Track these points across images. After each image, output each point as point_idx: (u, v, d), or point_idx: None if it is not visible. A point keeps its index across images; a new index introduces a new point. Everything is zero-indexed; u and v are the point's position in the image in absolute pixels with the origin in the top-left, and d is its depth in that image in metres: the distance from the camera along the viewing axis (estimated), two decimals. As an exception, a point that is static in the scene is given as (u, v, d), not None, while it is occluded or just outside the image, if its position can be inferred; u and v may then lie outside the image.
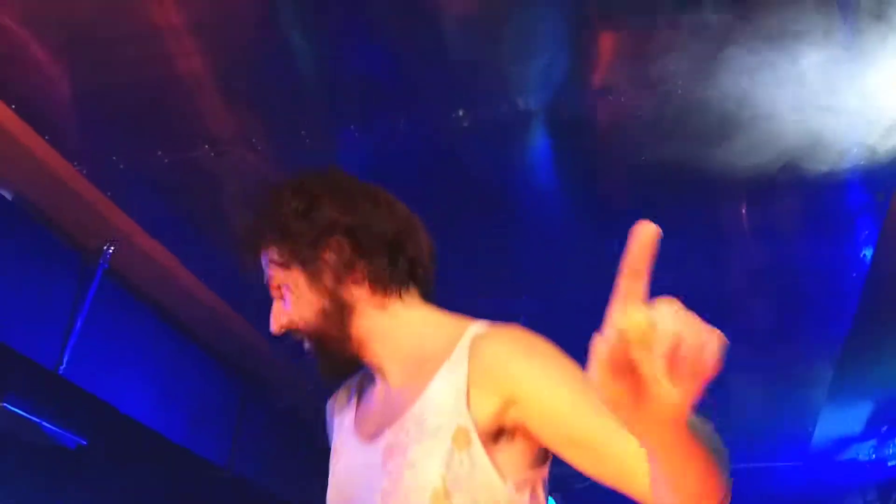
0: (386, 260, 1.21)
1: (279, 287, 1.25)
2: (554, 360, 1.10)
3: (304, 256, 1.21)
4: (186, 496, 3.95)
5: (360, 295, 1.22)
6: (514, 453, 1.11)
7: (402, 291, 1.24)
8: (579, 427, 1.04)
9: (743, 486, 4.61)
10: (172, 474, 3.84)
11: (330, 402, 1.40)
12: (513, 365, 1.10)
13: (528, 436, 1.10)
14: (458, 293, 3.40)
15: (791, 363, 4.08)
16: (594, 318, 0.67)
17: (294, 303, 1.23)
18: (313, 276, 1.21)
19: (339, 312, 1.21)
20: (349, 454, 1.25)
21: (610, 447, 1.00)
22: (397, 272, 1.22)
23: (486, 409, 1.08)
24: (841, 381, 4.18)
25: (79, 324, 2.96)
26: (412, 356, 1.20)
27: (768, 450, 5.00)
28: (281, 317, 1.25)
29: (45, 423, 3.29)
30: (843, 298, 3.42)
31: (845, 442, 5.07)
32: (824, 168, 2.67)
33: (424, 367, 1.16)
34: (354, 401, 1.32)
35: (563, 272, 3.30)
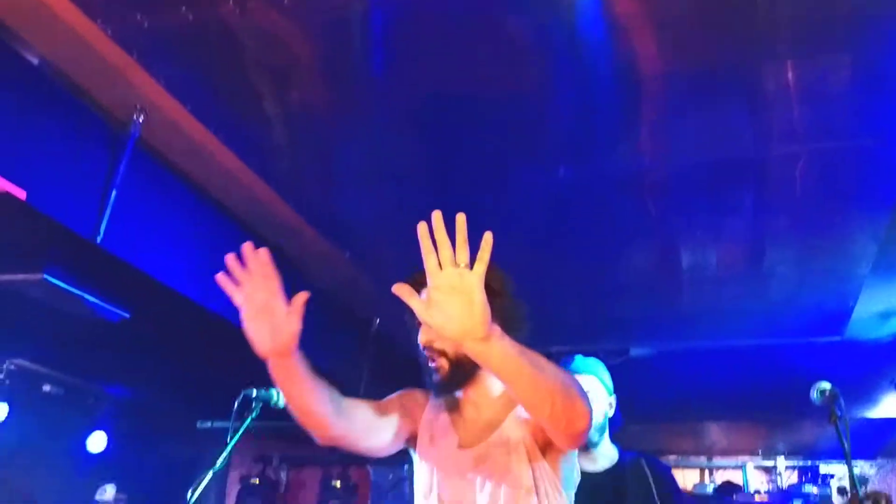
0: None
1: None
2: None
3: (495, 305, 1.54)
4: (228, 369, 4.02)
5: None
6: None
7: None
8: None
9: (780, 361, 4.58)
10: (215, 347, 3.88)
11: (428, 400, 1.98)
12: None
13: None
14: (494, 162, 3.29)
15: (833, 235, 3.95)
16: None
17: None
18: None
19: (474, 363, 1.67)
20: (448, 451, 1.82)
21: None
22: None
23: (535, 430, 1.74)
24: (885, 255, 4.06)
25: (113, 194, 2.91)
26: (496, 399, 1.85)
27: (806, 325, 4.95)
28: (432, 335, 1.80)
29: (86, 296, 3.32)
30: (890, 168, 3.25)
31: (886, 317, 5.00)
32: (874, 25, 2.45)
33: (503, 407, 1.82)
34: (448, 416, 1.90)
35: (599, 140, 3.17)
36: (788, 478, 6.08)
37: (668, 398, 5.29)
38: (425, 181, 3.57)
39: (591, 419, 1.54)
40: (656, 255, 4.18)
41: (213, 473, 2.42)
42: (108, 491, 5.62)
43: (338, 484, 6.49)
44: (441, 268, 1.38)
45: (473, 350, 1.41)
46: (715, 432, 5.77)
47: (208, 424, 6.05)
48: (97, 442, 6.17)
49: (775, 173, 3.37)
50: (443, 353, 1.78)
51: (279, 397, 2.59)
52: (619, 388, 5.42)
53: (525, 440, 1.73)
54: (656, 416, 5.26)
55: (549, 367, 1.49)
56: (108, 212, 2.86)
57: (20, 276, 2.97)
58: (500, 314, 1.54)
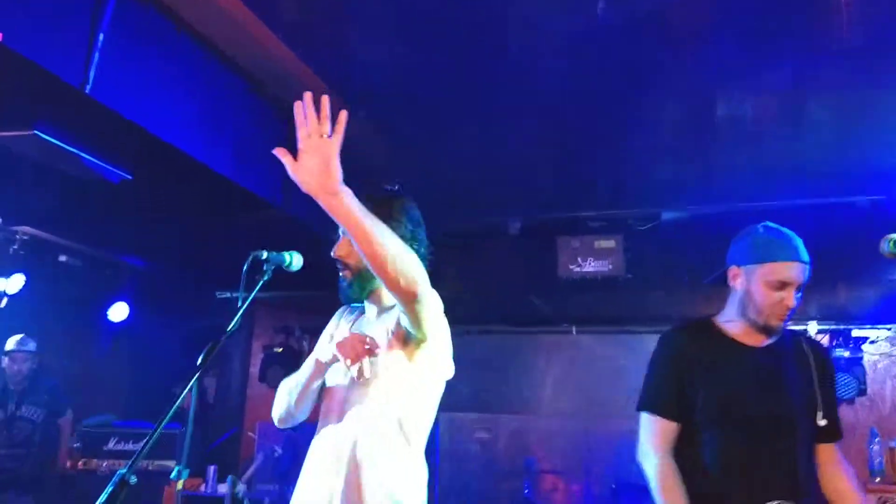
0: None
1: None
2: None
3: None
4: (235, 232, 3.85)
5: None
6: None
7: None
8: None
9: (818, 223, 4.30)
10: (221, 210, 3.71)
11: (339, 311, 2.45)
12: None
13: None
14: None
15: (879, 87, 3.62)
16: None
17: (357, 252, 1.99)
18: None
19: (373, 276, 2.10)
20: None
21: None
22: None
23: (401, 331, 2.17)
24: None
25: (101, 38, 2.63)
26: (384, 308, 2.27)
27: (847, 184, 4.67)
28: (344, 251, 2.24)
29: (84, 155, 3.11)
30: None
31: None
32: None
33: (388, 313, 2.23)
34: (350, 320, 2.37)
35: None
36: (820, 342, 6.00)
37: (699, 263, 5.12)
38: (446, 30, 3.25)
39: (421, 284, 1.92)
40: (689, 110, 3.87)
41: (226, 338, 2.27)
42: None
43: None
44: (309, 136, 1.79)
45: (327, 204, 1.80)
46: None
47: (227, 294, 6.01)
48: (118, 312, 6.18)
49: (820, 18, 3.02)
50: (347, 266, 2.21)
51: (292, 259, 2.40)
52: (649, 254, 5.25)
53: (390, 339, 2.13)
54: (688, 282, 5.11)
55: (391, 235, 1.87)
56: (95, 58, 2.59)
57: (11, 133, 2.76)
58: (398, 234, 1.95)
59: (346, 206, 1.80)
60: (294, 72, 3.55)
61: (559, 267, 5.36)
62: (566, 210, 5.31)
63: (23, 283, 5.25)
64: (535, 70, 3.49)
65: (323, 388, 2.26)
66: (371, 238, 1.83)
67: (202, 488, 4.66)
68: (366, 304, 2.31)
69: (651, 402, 2.42)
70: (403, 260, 1.88)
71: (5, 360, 5.02)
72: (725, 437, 2.28)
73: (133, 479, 1.67)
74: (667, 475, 2.29)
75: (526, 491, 4.99)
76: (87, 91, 2.55)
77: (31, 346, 5.08)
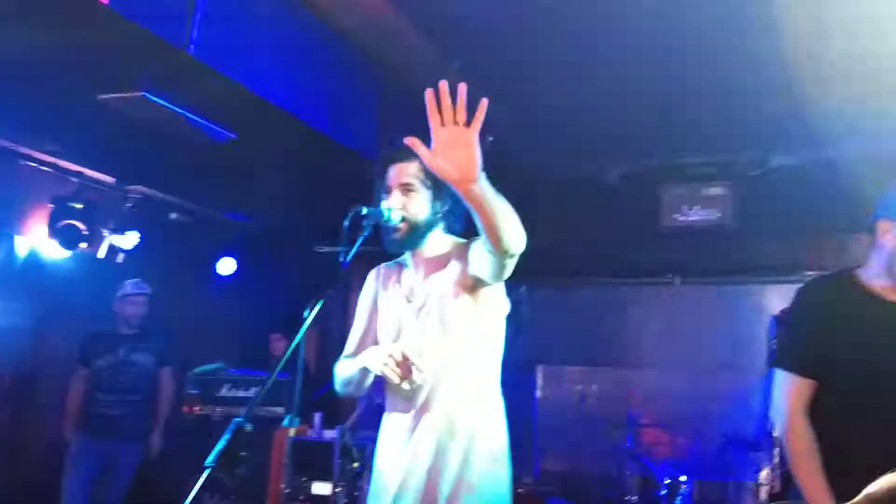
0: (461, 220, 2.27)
1: (407, 186, 2.22)
2: None
3: (436, 185, 2.19)
4: (333, 187, 3.89)
5: (440, 225, 2.28)
6: None
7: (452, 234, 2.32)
8: None
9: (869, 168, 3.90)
10: (319, 165, 3.74)
11: (374, 272, 2.44)
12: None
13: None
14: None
15: None
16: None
17: (414, 203, 2.21)
18: (434, 199, 2.24)
19: (431, 225, 2.25)
20: (395, 301, 2.32)
21: None
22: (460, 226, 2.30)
23: (466, 275, 2.22)
24: None
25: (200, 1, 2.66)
26: (435, 259, 2.29)
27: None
28: (398, 204, 2.22)
29: (189, 115, 3.19)
30: None
31: None
32: None
33: (440, 265, 2.27)
34: (397, 277, 2.36)
35: None
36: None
37: (810, 211, 4.84)
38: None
39: (522, 243, 1.98)
40: (800, 45, 3.60)
41: (329, 293, 2.30)
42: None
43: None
44: (444, 125, 1.75)
45: (465, 190, 1.81)
46: (861, 246, 5.30)
47: (326, 249, 6.12)
48: (226, 266, 6.41)
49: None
50: (404, 219, 2.21)
51: (390, 214, 2.39)
52: (759, 201, 5.00)
53: (455, 288, 2.18)
54: (798, 230, 4.85)
55: (505, 204, 1.90)
56: (197, 19, 2.62)
57: (120, 95, 2.85)
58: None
59: (482, 190, 1.81)
60: (390, 24, 3.52)
61: (661, 216, 5.19)
62: (668, 157, 5.11)
63: (137, 240, 5.49)
64: (635, 9, 3.33)
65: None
66: (496, 213, 1.86)
67: (309, 433, 4.83)
68: (408, 256, 2.34)
69: (787, 358, 2.31)
70: (517, 226, 1.92)
71: (121, 303, 5.02)
72: (863, 394, 2.17)
73: (249, 427, 1.72)
74: (800, 435, 2.20)
75: (628, 444, 4.93)
76: (189, 51, 2.59)
77: (148, 289, 5.13)
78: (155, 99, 2.90)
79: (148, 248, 5.55)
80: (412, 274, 2.32)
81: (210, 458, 1.59)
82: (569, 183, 5.50)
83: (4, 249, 5.01)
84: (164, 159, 4.17)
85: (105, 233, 5.40)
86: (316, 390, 6.12)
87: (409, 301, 2.28)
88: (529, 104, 4.42)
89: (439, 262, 2.26)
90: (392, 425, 2.24)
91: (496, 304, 2.25)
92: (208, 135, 3.27)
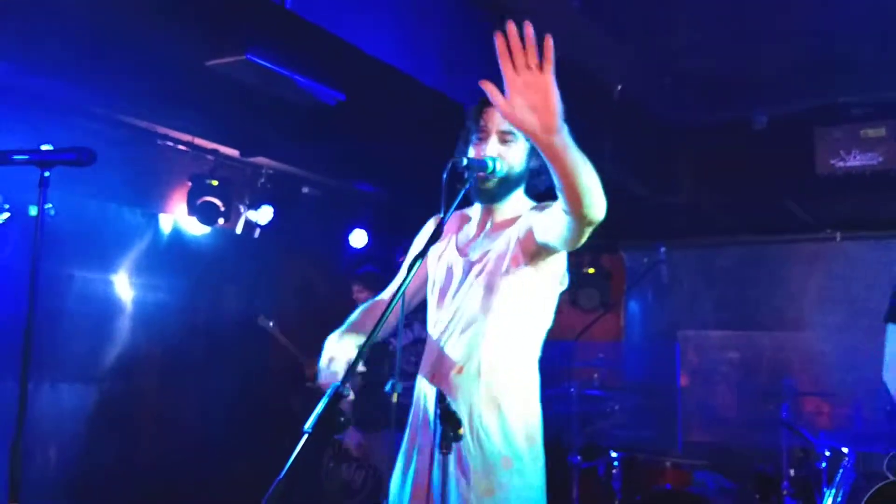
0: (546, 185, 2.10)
1: (507, 135, 2.12)
2: None
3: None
4: (450, 146, 3.74)
5: (526, 184, 2.23)
6: None
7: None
8: None
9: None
10: (434, 125, 3.60)
11: (433, 219, 2.35)
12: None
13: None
14: None
15: None
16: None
17: (511, 154, 2.14)
18: (530, 155, 2.15)
19: (520, 181, 2.20)
20: (451, 255, 2.25)
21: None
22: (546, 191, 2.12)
23: (525, 240, 2.13)
24: None
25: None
26: (505, 219, 2.20)
27: None
28: (496, 152, 2.12)
29: (297, 77, 3.14)
30: None
31: None
32: None
33: (507, 225, 2.17)
34: (456, 226, 2.33)
35: None
36: None
37: None
38: None
39: (604, 211, 1.84)
40: None
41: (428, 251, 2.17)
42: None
43: (591, 270, 6.26)
44: (517, 72, 1.59)
45: (546, 142, 1.66)
46: None
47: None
48: (358, 238, 6.46)
49: None
50: (499, 167, 2.08)
51: (494, 164, 2.23)
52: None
53: (517, 250, 2.08)
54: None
55: (588, 164, 1.75)
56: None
57: (224, 60, 2.83)
58: None
59: (564, 143, 1.68)
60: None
61: (817, 163, 4.66)
62: (822, 97, 4.57)
63: (271, 215, 5.63)
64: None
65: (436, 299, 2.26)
66: (579, 171, 1.73)
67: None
68: (477, 208, 2.26)
69: None
70: (599, 191, 1.80)
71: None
72: None
73: (348, 392, 1.66)
74: None
75: (784, 414, 4.51)
76: (286, 6, 2.50)
77: None
78: (259, 61, 2.86)
79: (282, 222, 5.67)
80: (475, 227, 2.23)
81: (309, 424, 1.54)
82: (709, 131, 5.06)
83: (151, 228, 5.27)
84: (276, 128, 4.19)
85: (241, 208, 5.58)
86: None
87: (463, 255, 2.18)
88: (661, 45, 4.06)
89: (509, 222, 2.14)
90: (422, 387, 2.21)
91: (555, 276, 2.14)
92: (318, 97, 3.21)
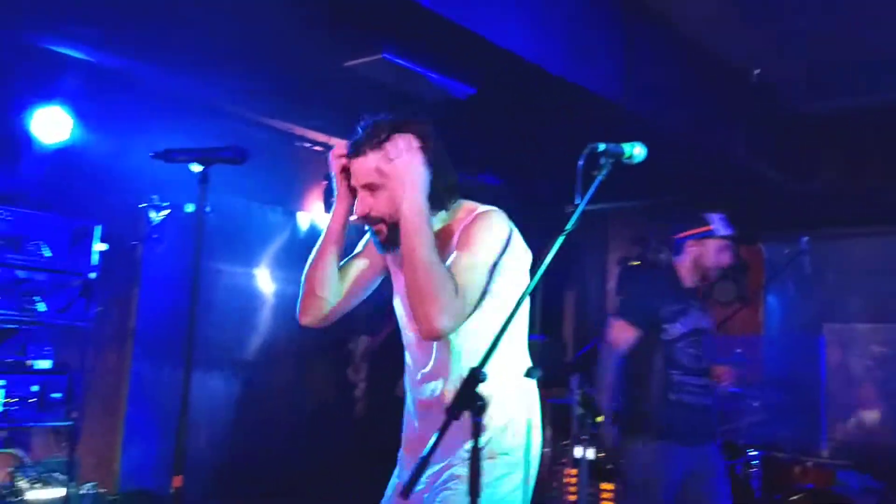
0: (449, 191, 1.95)
1: (371, 185, 1.84)
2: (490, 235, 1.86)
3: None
4: (580, 135, 3.72)
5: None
6: None
7: (447, 205, 1.95)
8: None
9: None
10: (565, 113, 3.60)
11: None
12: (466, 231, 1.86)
13: None
14: None
15: None
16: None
17: (383, 200, 1.84)
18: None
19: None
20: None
21: None
22: (451, 196, 1.96)
23: None
24: None
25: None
26: (442, 235, 1.87)
27: None
28: (368, 207, 1.86)
29: (430, 73, 3.22)
30: None
31: None
32: None
33: (447, 239, 1.87)
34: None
35: None
36: None
37: None
38: None
39: (438, 333, 1.73)
40: None
41: (565, 237, 2.16)
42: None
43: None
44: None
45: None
46: None
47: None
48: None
49: None
50: (381, 220, 1.87)
51: (632, 150, 2.19)
52: None
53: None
54: None
55: (432, 265, 1.72)
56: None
57: (361, 60, 2.95)
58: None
59: (409, 218, 1.75)
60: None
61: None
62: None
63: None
64: None
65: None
66: (412, 261, 1.74)
67: (568, 397, 4.76)
68: None
69: None
70: (433, 300, 1.72)
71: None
72: None
73: (484, 375, 1.67)
74: None
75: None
76: (424, 3, 2.57)
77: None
78: (395, 60, 2.96)
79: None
80: None
81: (448, 405, 1.53)
82: (854, 114, 4.77)
83: (290, 225, 5.54)
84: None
85: (372, 205, 5.76)
86: (574, 352, 6.04)
87: None
88: (800, 27, 3.88)
89: (447, 233, 1.88)
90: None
91: (510, 279, 1.88)
92: (448, 92, 3.28)
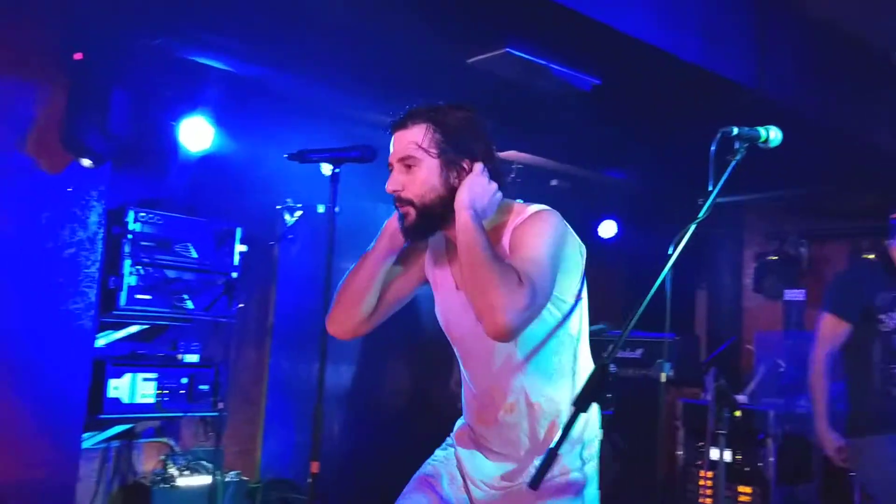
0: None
1: (408, 160, 1.75)
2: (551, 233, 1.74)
3: (447, 153, 1.74)
4: (711, 123, 3.58)
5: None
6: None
7: None
8: None
9: None
10: (695, 100, 3.47)
11: (428, 255, 1.96)
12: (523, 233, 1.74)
13: None
14: None
15: None
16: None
17: (418, 180, 1.75)
18: (446, 170, 1.75)
19: (451, 203, 1.73)
20: (448, 293, 1.89)
21: None
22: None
23: None
24: None
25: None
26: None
27: None
28: (399, 184, 1.77)
29: (554, 65, 3.20)
30: None
31: None
32: None
33: (496, 242, 1.74)
34: (446, 256, 1.90)
35: None
36: None
37: None
38: None
39: (507, 327, 1.60)
40: None
41: (696, 225, 2.09)
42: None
43: (871, 256, 5.62)
44: None
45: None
46: None
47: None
48: (608, 229, 6.39)
49: None
50: (410, 202, 1.77)
51: (768, 134, 2.10)
52: None
53: None
54: None
55: (496, 267, 1.63)
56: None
57: (485, 55, 2.96)
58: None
59: (466, 226, 1.69)
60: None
61: None
62: None
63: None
64: None
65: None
66: (473, 267, 1.67)
67: (703, 397, 4.60)
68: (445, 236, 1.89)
69: None
70: (501, 303, 1.61)
71: None
72: None
73: (612, 368, 1.66)
74: None
75: None
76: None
77: None
78: (519, 53, 2.96)
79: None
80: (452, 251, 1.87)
81: (575, 398, 1.55)
82: None
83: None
84: (529, 119, 4.26)
85: (496, 204, 5.76)
86: (708, 352, 5.81)
87: (458, 288, 1.83)
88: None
89: (496, 240, 1.76)
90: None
91: (569, 292, 1.79)
92: (573, 84, 3.24)
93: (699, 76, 3.23)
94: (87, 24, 3.36)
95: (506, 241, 1.75)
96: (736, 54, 3.44)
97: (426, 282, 1.98)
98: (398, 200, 1.78)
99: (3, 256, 3.43)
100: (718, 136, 2.09)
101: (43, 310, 3.54)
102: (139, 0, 3.12)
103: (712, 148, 2.09)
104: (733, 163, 2.11)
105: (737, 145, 2.10)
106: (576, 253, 1.81)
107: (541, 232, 1.71)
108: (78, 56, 3.35)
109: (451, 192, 1.73)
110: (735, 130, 2.09)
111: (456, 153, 1.73)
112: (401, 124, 1.76)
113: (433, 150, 1.72)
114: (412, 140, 1.73)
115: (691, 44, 3.20)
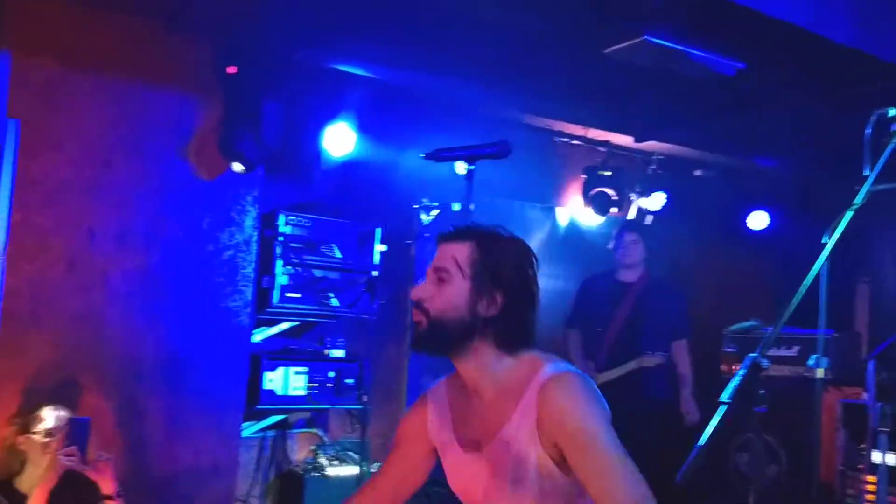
0: (520, 333, 1.70)
1: (442, 272, 1.67)
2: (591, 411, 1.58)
3: (482, 279, 1.66)
4: (864, 105, 3.35)
5: (488, 333, 1.67)
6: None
7: (513, 350, 1.70)
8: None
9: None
10: (846, 82, 3.25)
11: (431, 417, 1.84)
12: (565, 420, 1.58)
13: None
14: None
15: None
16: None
17: (444, 295, 1.66)
18: (475, 295, 1.66)
19: (468, 330, 1.66)
20: (455, 456, 1.77)
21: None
22: (520, 340, 1.70)
23: (550, 446, 1.59)
24: None
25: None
26: (500, 387, 1.69)
27: None
28: (424, 293, 1.68)
29: (693, 51, 3.10)
30: None
31: None
32: None
33: (508, 398, 1.66)
34: (449, 414, 1.80)
35: None
36: None
37: None
38: None
39: None
40: None
41: (853, 213, 1.98)
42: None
43: None
44: None
45: None
46: None
47: (881, 186, 5.31)
48: (758, 220, 6.09)
49: None
50: (426, 312, 1.68)
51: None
52: None
53: (536, 455, 1.62)
54: None
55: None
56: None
57: (623, 44, 2.91)
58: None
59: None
60: None
61: None
62: None
63: (664, 200, 5.60)
64: None
65: None
66: None
67: (864, 397, 4.31)
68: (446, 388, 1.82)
69: None
70: None
71: None
72: None
73: (765, 363, 1.63)
74: None
75: None
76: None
77: None
78: (657, 41, 2.88)
79: (675, 207, 5.61)
80: (474, 406, 1.73)
81: (726, 394, 1.52)
82: None
83: (549, 220, 5.63)
84: (671, 108, 4.14)
85: (633, 196, 5.66)
86: (870, 351, 5.41)
87: (465, 450, 1.71)
88: None
89: (509, 396, 1.64)
90: None
91: None
92: (714, 69, 3.12)
93: (850, 57, 3.02)
94: (240, 40, 3.59)
95: (528, 400, 1.61)
96: (890, 33, 3.19)
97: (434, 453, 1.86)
98: (417, 306, 1.69)
99: (169, 258, 3.73)
100: (873, 118, 1.99)
101: (205, 308, 3.81)
102: (287, 15, 3.30)
103: (867, 131, 1.99)
104: (890, 146, 1.99)
105: (893, 127, 1.99)
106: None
107: (582, 407, 1.58)
108: (232, 70, 3.59)
109: (473, 317, 1.64)
110: (891, 112, 1.98)
111: (490, 281, 1.64)
112: (449, 236, 1.70)
113: (468, 271, 1.64)
114: (452, 254, 1.67)
115: (841, 23, 3.00)
